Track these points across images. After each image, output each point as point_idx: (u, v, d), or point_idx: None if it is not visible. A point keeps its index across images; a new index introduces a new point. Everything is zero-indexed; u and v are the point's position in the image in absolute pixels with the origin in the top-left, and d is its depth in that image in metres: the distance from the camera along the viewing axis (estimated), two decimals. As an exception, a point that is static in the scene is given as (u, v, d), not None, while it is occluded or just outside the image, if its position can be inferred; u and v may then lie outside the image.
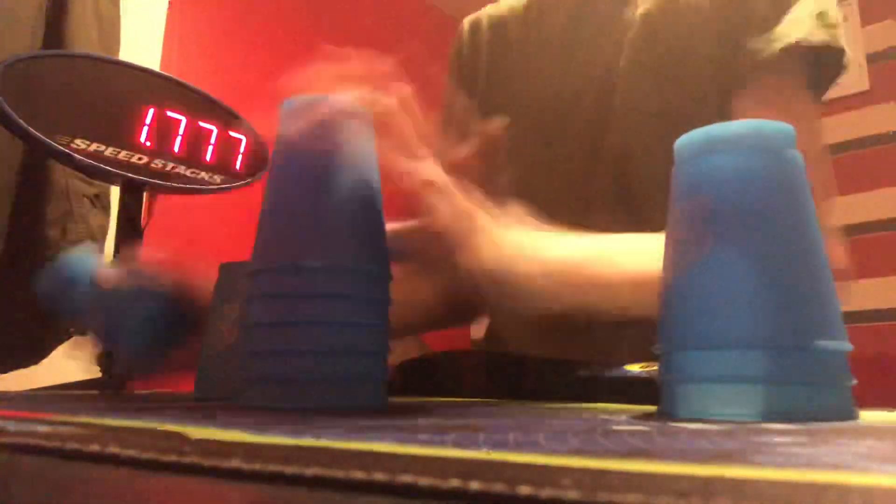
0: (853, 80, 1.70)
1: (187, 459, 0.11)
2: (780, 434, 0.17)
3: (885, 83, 1.70)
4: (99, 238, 1.01)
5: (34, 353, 0.96)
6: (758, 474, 0.10)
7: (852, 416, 0.24)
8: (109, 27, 1.06)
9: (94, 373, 0.71)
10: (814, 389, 0.24)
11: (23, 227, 0.94)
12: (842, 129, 1.71)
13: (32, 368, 0.94)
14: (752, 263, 0.24)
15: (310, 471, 0.10)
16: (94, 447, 0.12)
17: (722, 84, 0.53)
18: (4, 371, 0.91)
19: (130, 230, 0.80)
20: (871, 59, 1.72)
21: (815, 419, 0.22)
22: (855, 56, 1.74)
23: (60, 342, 0.96)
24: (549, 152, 0.61)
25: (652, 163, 0.54)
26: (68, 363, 0.93)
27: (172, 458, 0.11)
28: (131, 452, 0.11)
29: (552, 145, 0.61)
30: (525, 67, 0.64)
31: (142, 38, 1.27)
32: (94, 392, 0.61)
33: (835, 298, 0.25)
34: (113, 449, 0.11)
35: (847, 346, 0.25)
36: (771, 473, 0.10)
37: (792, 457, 0.13)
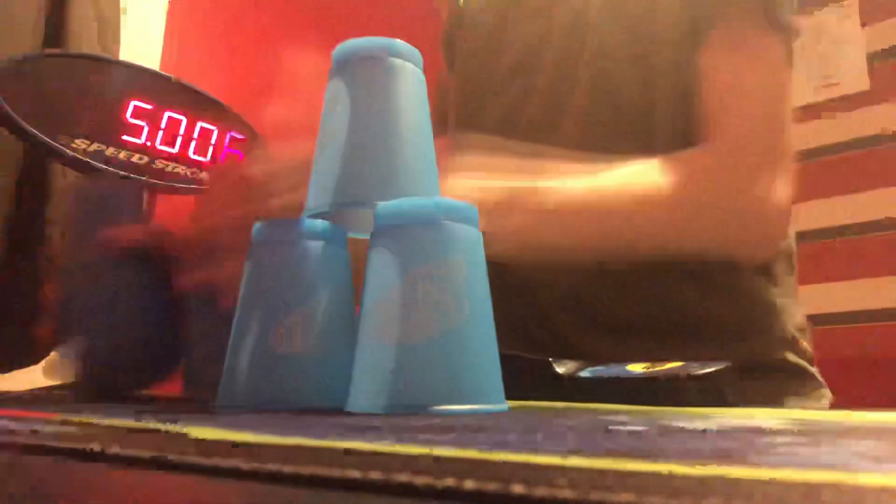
0: (853, 80, 1.70)
1: (189, 459, 0.11)
2: (780, 434, 0.17)
3: (885, 83, 1.69)
4: (99, 238, 1.00)
5: (34, 353, 0.95)
6: (753, 474, 0.10)
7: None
8: (109, 27, 1.06)
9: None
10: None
11: (23, 227, 0.94)
12: (842, 129, 1.71)
13: (32, 368, 0.94)
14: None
15: (307, 470, 0.10)
16: (95, 446, 0.12)
17: (694, 29, 0.53)
18: (4, 371, 0.91)
19: (130, 230, 0.80)
20: (871, 58, 1.72)
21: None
22: (855, 56, 1.73)
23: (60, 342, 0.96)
24: (517, 99, 0.61)
25: (623, 107, 0.54)
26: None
27: (174, 457, 0.11)
28: (132, 452, 0.11)
29: (521, 92, 0.61)
30: (499, 14, 0.65)
31: (142, 38, 1.27)
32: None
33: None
34: (114, 449, 0.12)
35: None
36: (766, 473, 0.10)
37: (789, 457, 0.13)
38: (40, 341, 0.94)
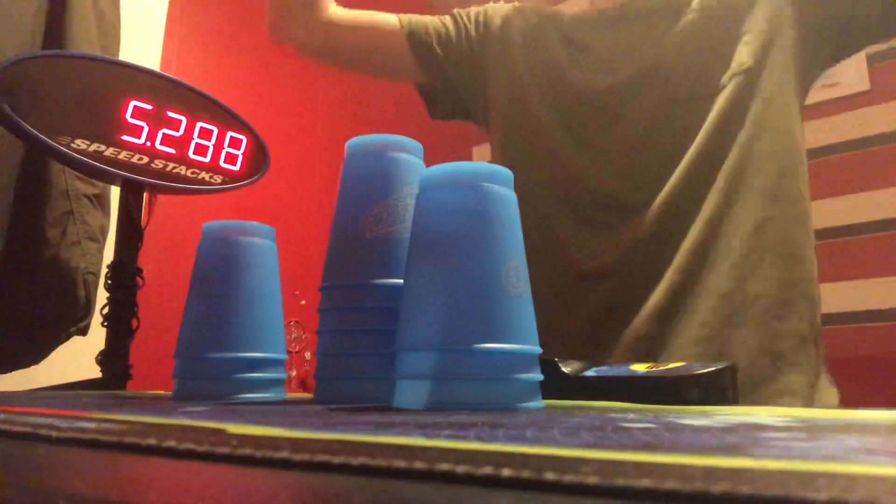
0: (853, 80, 1.71)
1: (240, 452, 0.12)
2: (779, 430, 0.18)
3: (885, 83, 1.70)
4: (99, 238, 1.01)
5: (34, 353, 0.96)
6: (756, 464, 0.11)
7: (512, 408, 0.28)
8: (109, 27, 1.06)
9: (94, 373, 0.72)
10: (477, 384, 0.28)
11: (23, 227, 0.94)
12: (842, 129, 1.71)
13: (32, 368, 0.95)
14: (437, 281, 0.30)
15: (355, 461, 0.11)
16: (152, 441, 0.13)
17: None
18: (4, 371, 0.91)
19: (130, 230, 0.80)
20: (872, 59, 1.73)
21: (479, 409, 0.27)
22: (855, 56, 1.75)
23: (60, 342, 0.96)
24: (603, 139, 0.66)
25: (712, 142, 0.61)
26: (68, 363, 0.94)
27: (225, 450, 0.12)
28: (188, 445, 0.12)
29: (607, 131, 0.66)
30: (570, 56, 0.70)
31: (142, 38, 1.27)
32: (98, 392, 0.61)
33: (512, 308, 0.30)
34: (170, 443, 0.12)
35: (509, 348, 0.29)
36: (767, 463, 0.11)
37: (788, 450, 0.14)
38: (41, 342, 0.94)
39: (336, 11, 0.76)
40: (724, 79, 0.62)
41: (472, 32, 0.77)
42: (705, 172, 0.61)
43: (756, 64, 0.62)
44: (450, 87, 0.77)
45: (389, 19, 0.76)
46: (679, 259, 0.60)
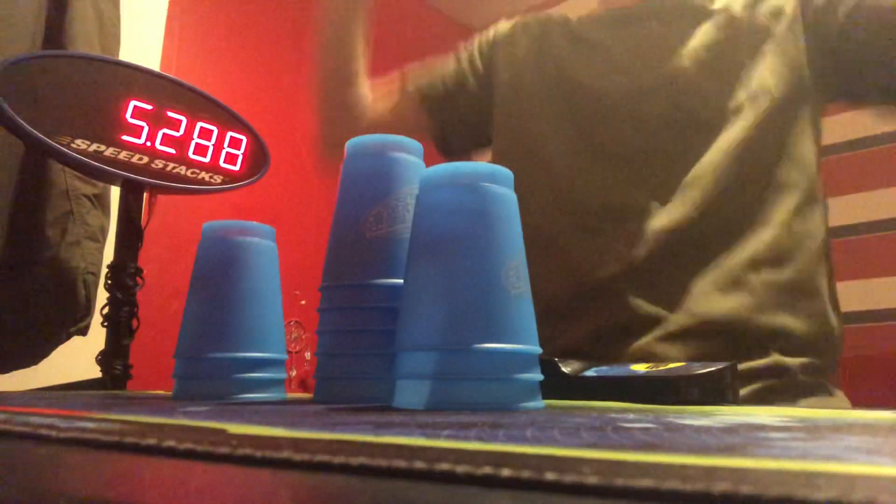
0: (852, 80, 1.71)
1: (240, 452, 0.12)
2: (779, 430, 0.18)
3: (885, 84, 1.70)
4: (99, 238, 1.01)
5: (34, 353, 0.96)
6: (756, 464, 0.11)
7: (512, 408, 0.28)
8: (109, 27, 1.06)
9: (94, 373, 0.72)
10: (477, 384, 0.28)
11: (23, 227, 0.94)
12: (842, 129, 1.71)
13: (32, 368, 0.95)
14: (437, 281, 0.30)
15: (355, 461, 0.11)
16: (152, 441, 0.13)
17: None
18: (4, 371, 0.91)
19: (130, 230, 0.80)
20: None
21: (479, 409, 0.27)
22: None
23: (60, 342, 0.96)
24: (609, 141, 0.65)
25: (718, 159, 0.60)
26: (68, 363, 0.94)
27: (225, 450, 0.12)
28: (188, 445, 0.12)
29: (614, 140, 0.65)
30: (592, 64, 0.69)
31: (142, 38, 1.27)
32: (98, 392, 0.62)
33: (511, 308, 0.30)
34: (170, 443, 0.12)
35: (509, 348, 0.29)
36: (768, 463, 0.11)
37: (788, 450, 0.14)
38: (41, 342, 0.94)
39: (371, 107, 0.78)
40: (743, 98, 0.61)
41: (479, 65, 0.77)
42: (723, 199, 0.59)
43: (776, 87, 0.61)
44: (463, 122, 0.78)
45: (409, 98, 0.78)
46: (697, 286, 0.56)
